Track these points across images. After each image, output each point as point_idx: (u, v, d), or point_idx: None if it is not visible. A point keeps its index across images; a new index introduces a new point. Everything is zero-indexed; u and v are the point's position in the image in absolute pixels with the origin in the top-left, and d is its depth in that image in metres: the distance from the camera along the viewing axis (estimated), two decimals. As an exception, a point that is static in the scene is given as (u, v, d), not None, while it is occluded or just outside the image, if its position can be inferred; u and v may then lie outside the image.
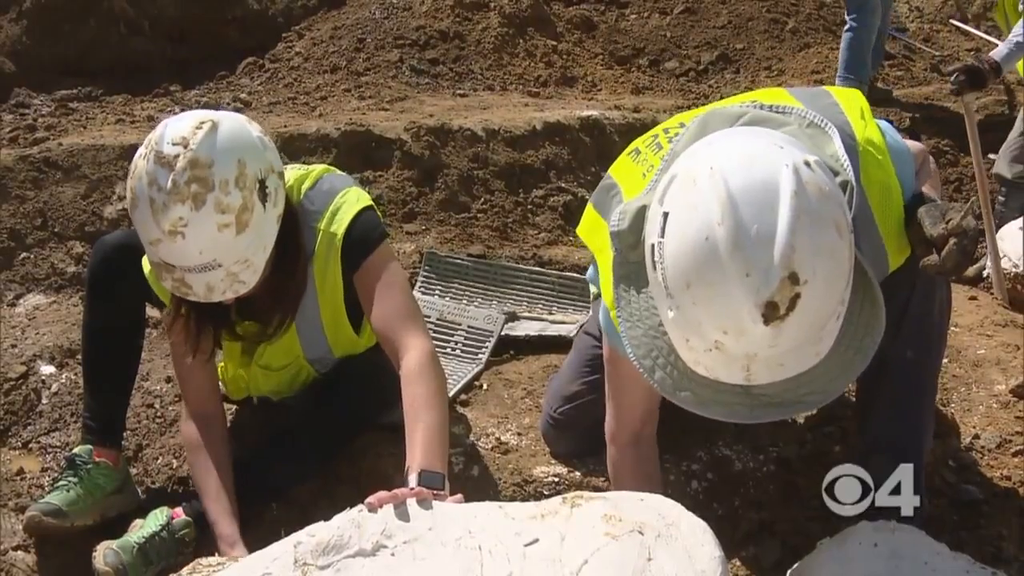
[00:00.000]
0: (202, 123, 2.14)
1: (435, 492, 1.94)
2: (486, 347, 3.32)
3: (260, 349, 2.59)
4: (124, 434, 2.69)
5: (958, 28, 7.08)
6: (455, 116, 4.78)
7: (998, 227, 4.00)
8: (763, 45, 6.49)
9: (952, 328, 3.32)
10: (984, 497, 2.62)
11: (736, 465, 2.71)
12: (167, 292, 2.33)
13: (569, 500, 1.85)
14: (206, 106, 5.03)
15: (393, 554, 1.78)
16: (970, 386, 3.05)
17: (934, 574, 1.96)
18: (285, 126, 4.47)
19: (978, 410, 2.95)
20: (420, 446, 2.08)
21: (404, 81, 5.61)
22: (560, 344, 3.24)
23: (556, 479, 2.69)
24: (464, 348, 3.35)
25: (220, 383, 2.69)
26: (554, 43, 6.30)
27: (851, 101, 2.05)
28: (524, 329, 3.42)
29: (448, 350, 3.31)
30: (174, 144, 2.11)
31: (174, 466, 2.78)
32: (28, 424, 2.91)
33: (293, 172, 2.49)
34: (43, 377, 3.06)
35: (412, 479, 2.00)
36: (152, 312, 2.72)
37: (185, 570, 2.03)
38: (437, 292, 3.66)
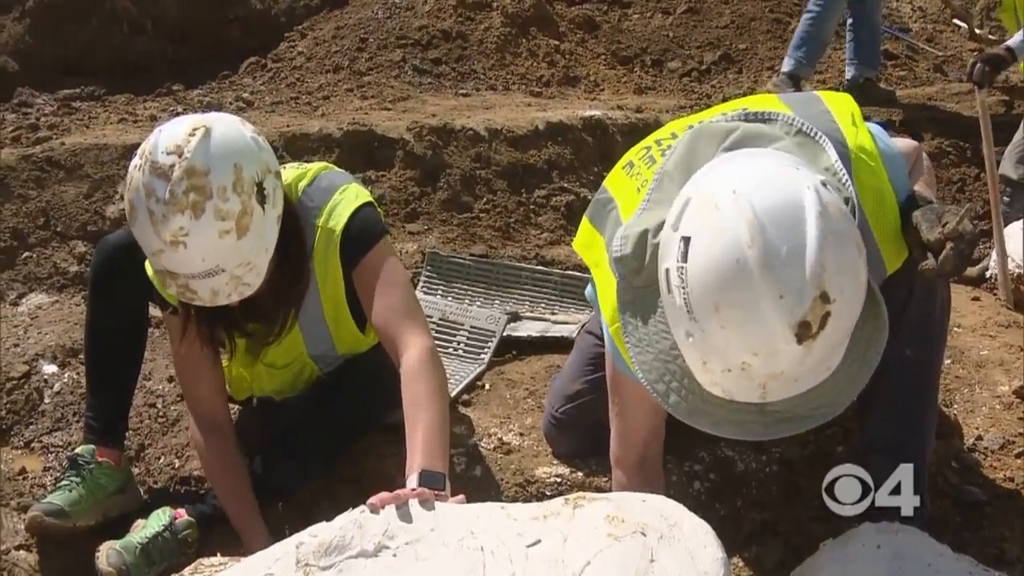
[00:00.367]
0: (195, 129, 2.13)
1: (437, 492, 1.93)
2: (488, 347, 3.32)
3: (264, 347, 2.58)
4: (126, 434, 2.69)
5: (960, 28, 7.06)
6: (457, 116, 4.78)
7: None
8: (766, 45, 6.47)
9: (955, 329, 3.32)
10: (987, 498, 2.61)
11: (738, 466, 2.71)
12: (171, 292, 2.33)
13: (571, 501, 1.85)
14: (208, 106, 5.03)
15: (395, 555, 1.78)
16: (973, 387, 3.04)
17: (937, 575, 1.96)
18: (288, 126, 4.46)
19: (981, 411, 2.94)
20: (420, 446, 2.08)
21: (407, 81, 5.60)
22: (563, 344, 3.23)
23: (558, 479, 2.69)
24: (466, 348, 3.35)
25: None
26: (557, 43, 6.29)
27: (842, 107, 2.05)
28: (527, 329, 3.41)
29: (450, 350, 3.31)
30: (168, 153, 2.10)
31: (176, 466, 2.78)
32: (30, 423, 2.91)
33: (291, 170, 2.49)
34: (45, 376, 3.06)
35: (413, 479, 2.00)
36: (155, 312, 2.72)
37: (187, 570, 2.03)
38: (439, 292, 3.65)
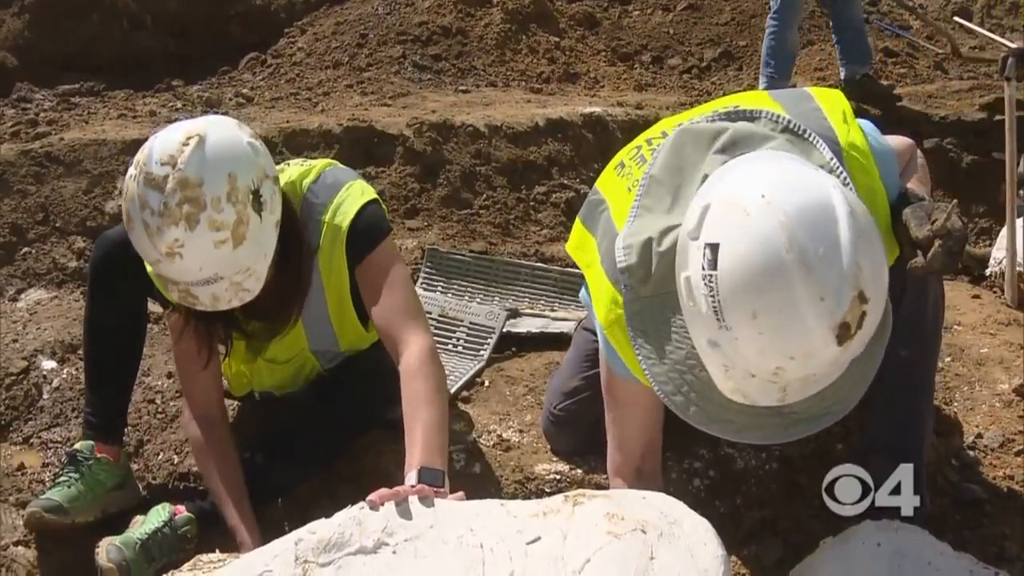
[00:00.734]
0: (189, 138, 2.12)
1: (436, 489, 1.93)
2: (488, 344, 3.32)
3: (267, 343, 2.58)
4: (125, 430, 2.68)
5: (962, 26, 7.05)
6: (457, 112, 4.77)
7: None
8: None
9: (955, 327, 3.31)
10: (987, 496, 2.61)
11: (738, 463, 2.70)
12: None
13: (571, 498, 1.85)
14: (208, 101, 5.03)
15: (394, 552, 1.78)
16: (973, 385, 3.04)
17: (937, 574, 1.96)
18: (287, 121, 4.46)
19: (981, 409, 2.93)
20: (420, 443, 2.08)
21: (406, 77, 5.60)
22: (562, 341, 3.23)
23: (558, 476, 2.68)
24: (466, 345, 3.34)
25: (224, 381, 2.68)
26: (557, 39, 6.29)
27: (833, 104, 2.04)
28: (526, 326, 3.41)
29: (450, 347, 3.31)
30: (162, 164, 2.09)
31: (175, 462, 2.78)
32: (29, 419, 2.91)
33: (295, 167, 2.49)
34: (44, 372, 3.06)
35: (412, 476, 1.99)
36: (154, 307, 2.72)
37: (186, 566, 2.03)
38: (439, 288, 3.65)
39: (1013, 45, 4.25)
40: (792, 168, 1.74)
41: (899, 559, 1.97)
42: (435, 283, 3.67)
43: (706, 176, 1.82)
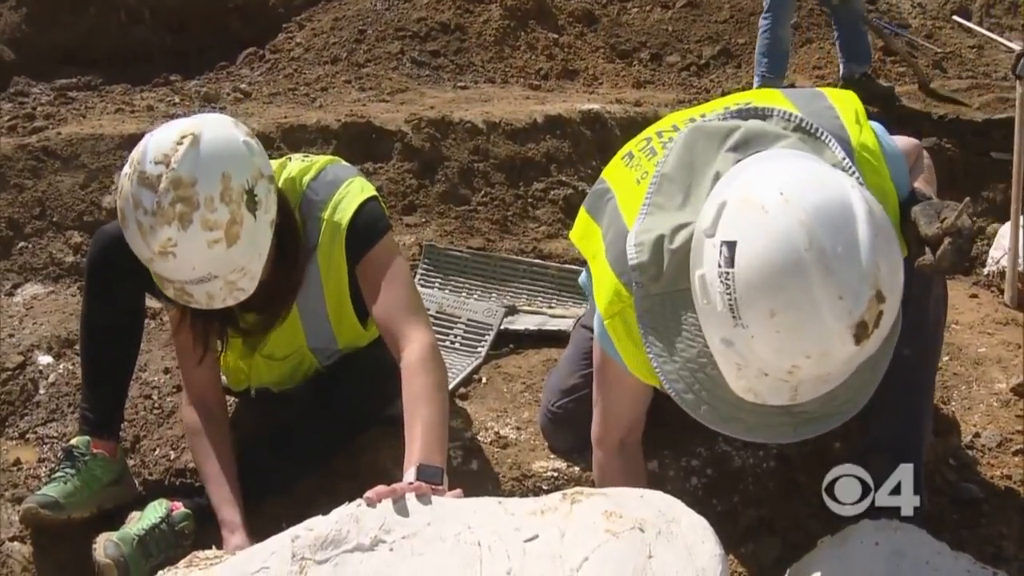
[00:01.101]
0: (183, 137, 2.11)
1: (434, 487, 1.93)
2: (485, 340, 3.31)
3: (264, 339, 2.58)
4: (122, 425, 2.67)
5: (961, 25, 7.05)
6: (456, 108, 4.77)
7: None
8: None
9: (953, 326, 3.31)
10: (984, 496, 2.61)
11: (736, 461, 2.70)
12: None
13: (569, 496, 1.85)
14: (206, 96, 5.01)
15: (391, 549, 1.78)
16: (971, 384, 3.04)
17: (935, 573, 1.95)
18: (285, 117, 4.45)
19: (979, 408, 2.93)
20: (419, 440, 2.07)
21: (405, 73, 5.59)
22: (560, 338, 3.23)
23: (555, 474, 2.69)
24: (463, 341, 3.34)
25: (222, 374, 2.68)
26: (555, 36, 6.28)
27: (846, 104, 2.05)
28: (524, 323, 3.41)
29: (447, 343, 3.30)
30: (156, 163, 2.09)
31: (171, 457, 2.77)
32: (25, 414, 2.90)
33: (296, 163, 2.49)
34: (40, 367, 3.05)
35: (411, 473, 1.99)
36: (151, 303, 2.71)
37: (182, 563, 2.03)
38: (436, 285, 3.65)
39: (1014, 45, 4.25)
40: (809, 166, 1.74)
41: (897, 559, 1.97)
42: (433, 279, 3.67)
43: (718, 174, 1.82)
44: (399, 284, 2.40)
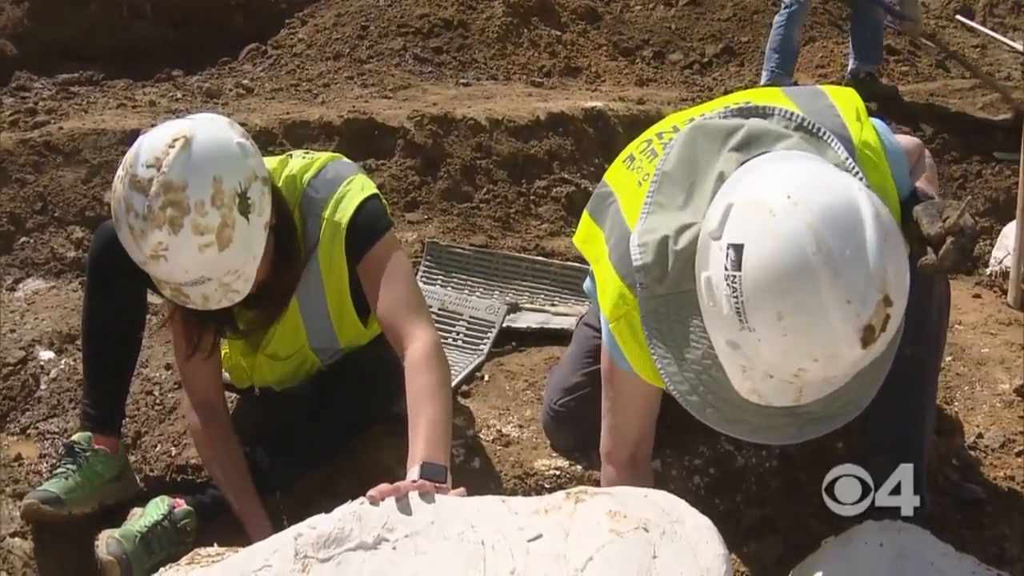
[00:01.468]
0: (175, 140, 2.10)
1: (437, 485, 1.92)
2: (488, 338, 3.31)
3: (267, 338, 2.58)
4: (123, 421, 2.67)
5: (964, 24, 7.05)
6: (458, 105, 4.76)
7: None
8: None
9: (956, 326, 3.31)
10: (987, 497, 2.61)
11: (738, 460, 2.70)
12: None
13: (573, 495, 1.84)
14: (208, 92, 5.01)
15: (395, 548, 1.77)
16: (974, 385, 3.03)
17: (940, 575, 1.95)
18: (287, 113, 4.44)
19: (982, 409, 2.93)
20: (423, 438, 2.07)
21: (407, 69, 5.58)
22: (562, 336, 3.22)
23: (557, 472, 2.68)
24: (466, 339, 3.33)
25: (224, 372, 2.68)
26: (558, 33, 6.27)
27: (847, 102, 2.04)
28: (526, 320, 3.40)
29: (450, 340, 3.30)
30: (148, 166, 2.08)
31: (173, 454, 2.77)
32: (26, 410, 2.89)
33: (297, 161, 2.48)
34: (42, 363, 3.04)
35: (414, 471, 1.98)
36: (153, 299, 2.70)
37: (184, 560, 2.02)
38: (439, 282, 3.64)
39: (1017, 44, 4.24)
40: (816, 168, 1.73)
41: (902, 560, 1.96)
42: (435, 277, 3.66)
43: (721, 174, 1.81)
44: (401, 282, 2.39)
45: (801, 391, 1.70)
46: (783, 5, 5.63)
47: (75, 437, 2.53)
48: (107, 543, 2.28)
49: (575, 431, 2.69)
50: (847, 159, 1.84)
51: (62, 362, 3.04)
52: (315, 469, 2.59)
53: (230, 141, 2.18)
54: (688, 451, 2.69)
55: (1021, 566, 2.39)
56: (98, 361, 2.58)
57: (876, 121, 2.08)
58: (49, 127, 4.12)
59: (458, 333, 3.36)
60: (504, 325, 3.36)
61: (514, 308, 3.45)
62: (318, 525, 1.81)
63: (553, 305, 3.53)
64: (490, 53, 5.91)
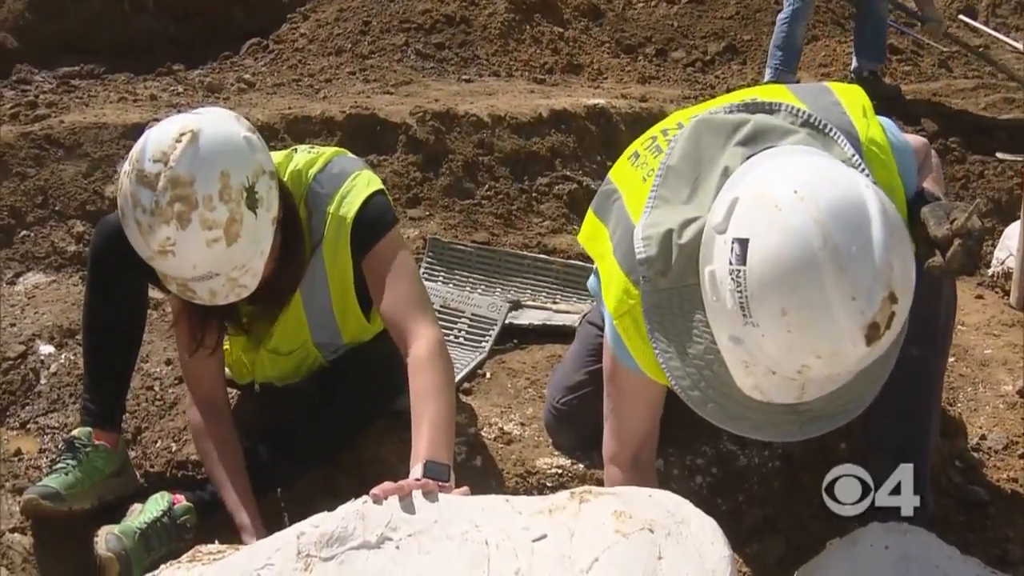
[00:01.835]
0: (182, 134, 2.09)
1: (441, 484, 1.91)
2: (490, 335, 3.30)
3: (269, 333, 2.57)
4: (123, 417, 2.66)
5: (966, 24, 7.05)
6: (460, 101, 4.75)
7: None
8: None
9: (959, 327, 3.30)
10: (990, 499, 2.61)
11: (740, 460, 2.69)
12: None
13: (577, 495, 1.83)
14: (209, 86, 5.00)
15: (398, 547, 1.76)
16: (977, 386, 3.03)
17: (945, 578, 1.95)
18: (289, 108, 4.43)
19: (985, 410, 2.93)
20: (426, 436, 2.06)
21: (409, 65, 5.57)
22: (564, 334, 3.21)
23: (559, 471, 2.67)
24: (467, 336, 3.32)
25: (226, 368, 2.67)
26: (561, 30, 6.26)
27: (853, 99, 2.03)
28: (528, 318, 3.40)
29: (451, 338, 3.29)
30: (155, 161, 2.06)
31: (173, 450, 2.76)
32: (26, 404, 2.88)
33: (302, 155, 2.47)
34: (42, 357, 3.03)
35: (417, 470, 1.97)
36: (154, 293, 2.69)
37: (185, 557, 2.01)
38: (440, 279, 3.63)
39: (1019, 44, 4.23)
40: (822, 163, 1.72)
41: (907, 563, 1.96)
42: (437, 273, 3.65)
43: (727, 168, 1.80)
44: (406, 279, 2.38)
45: (804, 388, 1.69)
46: (786, 2, 5.62)
47: (75, 432, 2.52)
48: (106, 539, 2.27)
49: (577, 430, 2.69)
50: (854, 156, 1.83)
51: (62, 356, 3.03)
52: (317, 466, 2.58)
53: (237, 135, 2.17)
54: (690, 450, 2.69)
55: (1024, 569, 2.39)
56: (99, 356, 2.57)
57: (883, 119, 2.07)
58: (50, 120, 4.10)
59: (460, 330, 3.35)
60: (506, 322, 3.36)
61: (516, 305, 3.44)
62: (321, 524, 1.80)
63: (555, 303, 3.52)
64: (492, 49, 5.90)
